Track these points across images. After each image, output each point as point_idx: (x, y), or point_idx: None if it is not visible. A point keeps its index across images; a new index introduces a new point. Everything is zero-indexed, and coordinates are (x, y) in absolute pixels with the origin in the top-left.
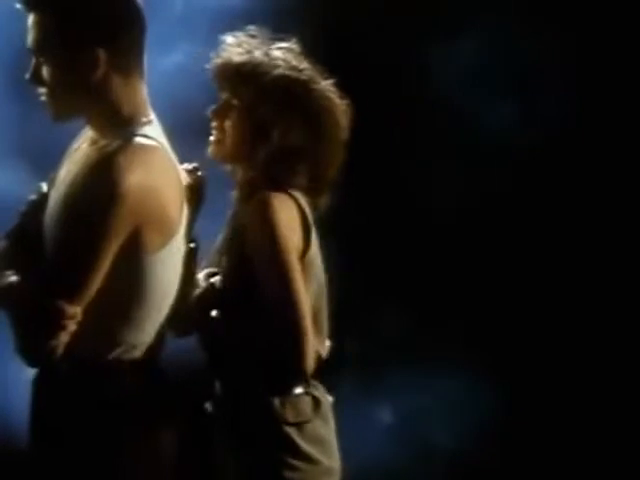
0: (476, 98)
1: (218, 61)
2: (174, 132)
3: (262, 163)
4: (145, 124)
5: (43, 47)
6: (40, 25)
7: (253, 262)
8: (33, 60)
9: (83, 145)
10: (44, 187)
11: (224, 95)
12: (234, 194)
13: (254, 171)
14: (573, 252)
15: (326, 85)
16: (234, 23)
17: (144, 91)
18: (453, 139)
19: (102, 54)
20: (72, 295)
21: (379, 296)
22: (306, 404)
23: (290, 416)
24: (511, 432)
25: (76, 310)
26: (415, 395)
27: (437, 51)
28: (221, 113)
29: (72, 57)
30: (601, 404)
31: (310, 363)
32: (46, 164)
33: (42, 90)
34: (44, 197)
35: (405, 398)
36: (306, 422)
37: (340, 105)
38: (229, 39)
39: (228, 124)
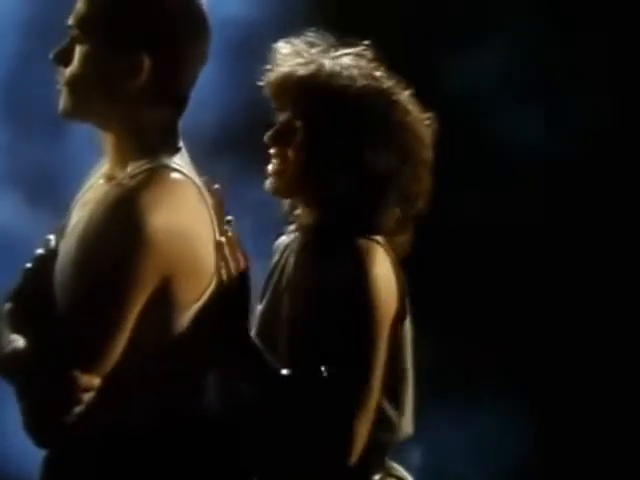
0: (499, 107)
1: (275, 75)
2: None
3: (343, 196)
4: (173, 152)
5: (85, 24)
6: (94, 1)
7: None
8: (68, 37)
9: (98, 182)
10: (52, 240)
11: (282, 116)
12: (296, 233)
13: (327, 206)
14: (613, 280)
15: (407, 96)
16: (244, 36)
17: (179, 118)
18: (474, 153)
19: (147, 61)
20: (90, 363)
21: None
22: None
23: None
24: (549, 473)
25: (94, 380)
26: (447, 435)
27: (457, 59)
28: (282, 138)
29: (112, 53)
30: None
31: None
32: (41, 191)
33: (63, 74)
34: (53, 252)
35: (437, 438)
36: None
37: (423, 119)
38: (284, 47)
39: (292, 151)
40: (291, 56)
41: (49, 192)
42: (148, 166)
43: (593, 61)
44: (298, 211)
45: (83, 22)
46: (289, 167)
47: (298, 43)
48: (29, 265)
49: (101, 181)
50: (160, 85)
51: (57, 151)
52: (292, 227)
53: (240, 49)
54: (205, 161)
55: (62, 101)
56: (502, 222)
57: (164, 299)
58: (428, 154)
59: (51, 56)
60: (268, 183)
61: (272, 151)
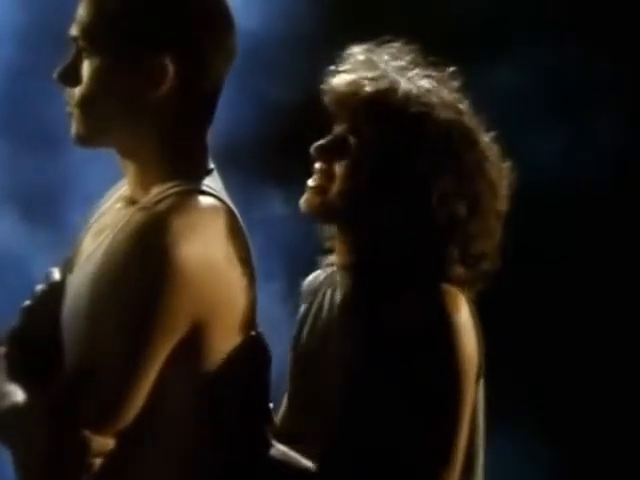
0: (517, 127)
1: (340, 81)
2: None
3: (396, 232)
4: (204, 174)
5: (92, 33)
6: (99, 4)
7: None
8: (73, 51)
9: (116, 206)
10: (56, 274)
11: (337, 127)
12: (336, 265)
13: (370, 246)
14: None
15: (488, 138)
16: (251, 50)
17: (208, 130)
18: None
19: (171, 65)
20: (103, 421)
21: None
22: None
23: None
24: None
25: (108, 442)
26: None
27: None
28: (331, 152)
29: (128, 61)
30: None
31: None
32: (39, 209)
33: (71, 95)
34: (56, 288)
35: None
36: None
37: (501, 168)
38: (356, 52)
39: (339, 170)
40: (363, 64)
41: (47, 209)
42: (177, 189)
43: (613, 79)
44: (333, 243)
45: (89, 31)
46: (332, 186)
47: (372, 50)
48: (29, 303)
49: (119, 205)
50: (186, 91)
51: (55, 168)
52: (329, 261)
53: (248, 63)
54: None
55: (75, 126)
56: (520, 246)
57: (193, 346)
58: (501, 207)
59: (55, 76)
60: (304, 199)
61: (317, 165)
